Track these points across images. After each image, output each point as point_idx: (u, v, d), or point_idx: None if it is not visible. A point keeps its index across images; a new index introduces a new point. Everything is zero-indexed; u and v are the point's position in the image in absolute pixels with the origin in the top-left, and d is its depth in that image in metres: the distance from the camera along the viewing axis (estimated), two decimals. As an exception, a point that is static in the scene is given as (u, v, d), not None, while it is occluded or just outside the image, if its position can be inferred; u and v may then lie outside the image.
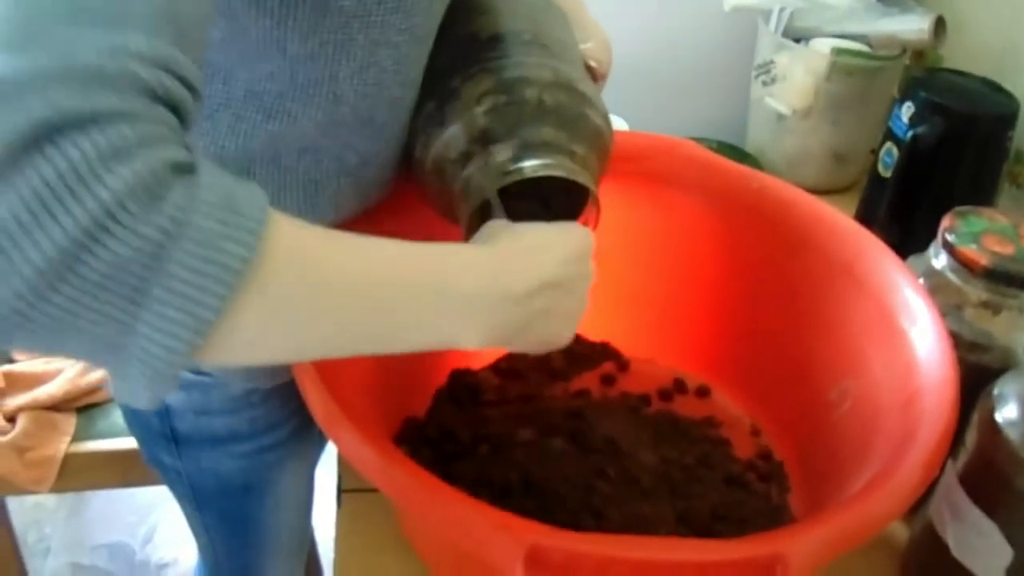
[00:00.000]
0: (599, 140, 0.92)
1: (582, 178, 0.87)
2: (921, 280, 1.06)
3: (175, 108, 0.53)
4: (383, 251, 0.67)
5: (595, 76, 0.99)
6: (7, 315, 0.48)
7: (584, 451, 1.06)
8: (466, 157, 0.89)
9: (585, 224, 0.93)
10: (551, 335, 0.80)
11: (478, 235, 0.81)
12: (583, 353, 1.26)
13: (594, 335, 1.27)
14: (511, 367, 1.22)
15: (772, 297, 1.15)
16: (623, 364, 1.26)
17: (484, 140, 0.88)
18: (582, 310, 0.82)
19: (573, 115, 0.89)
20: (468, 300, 0.70)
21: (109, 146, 0.48)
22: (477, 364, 1.21)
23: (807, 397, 1.08)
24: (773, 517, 1.03)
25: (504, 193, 0.86)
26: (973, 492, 0.91)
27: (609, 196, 0.97)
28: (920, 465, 0.77)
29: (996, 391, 0.93)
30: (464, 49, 0.92)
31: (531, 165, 0.86)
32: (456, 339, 0.71)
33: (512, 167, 0.86)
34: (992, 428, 0.89)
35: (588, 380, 1.23)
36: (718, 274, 1.20)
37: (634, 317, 1.25)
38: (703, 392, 1.23)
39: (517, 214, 0.86)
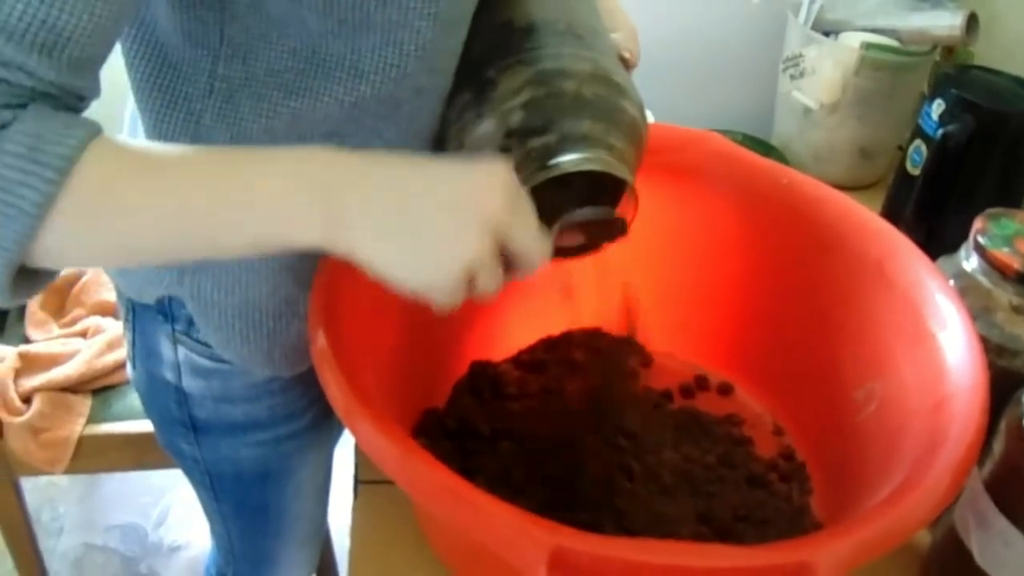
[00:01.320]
0: (635, 132, 0.91)
1: (620, 172, 0.87)
2: (951, 282, 1.04)
3: (22, 89, 0.63)
4: (197, 170, 0.69)
5: (627, 66, 0.98)
6: None
7: (606, 447, 1.05)
8: (503, 150, 0.88)
9: (623, 216, 0.93)
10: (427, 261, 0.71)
11: None
12: (605, 348, 1.24)
13: (617, 330, 1.25)
14: (533, 360, 1.21)
15: (798, 294, 1.13)
16: (646, 359, 1.25)
17: (522, 133, 0.87)
18: (468, 251, 0.70)
19: (610, 107, 0.88)
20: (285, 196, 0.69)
21: None
22: (498, 356, 1.21)
23: (831, 397, 1.07)
24: (794, 519, 1.02)
25: (541, 184, 0.86)
26: (1000, 500, 0.90)
27: (637, 189, 0.96)
28: (949, 473, 0.76)
29: (1025, 398, 0.91)
30: (499, 38, 0.91)
31: (570, 160, 0.85)
32: (294, 240, 0.70)
33: (551, 161, 0.85)
34: (1020, 435, 0.88)
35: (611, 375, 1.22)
36: (743, 270, 1.18)
37: (658, 312, 1.23)
38: (725, 389, 1.22)
39: (553, 205, 0.86)
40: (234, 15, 0.79)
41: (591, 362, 1.22)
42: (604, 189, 0.91)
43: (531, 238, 0.74)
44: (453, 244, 0.70)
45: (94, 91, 0.69)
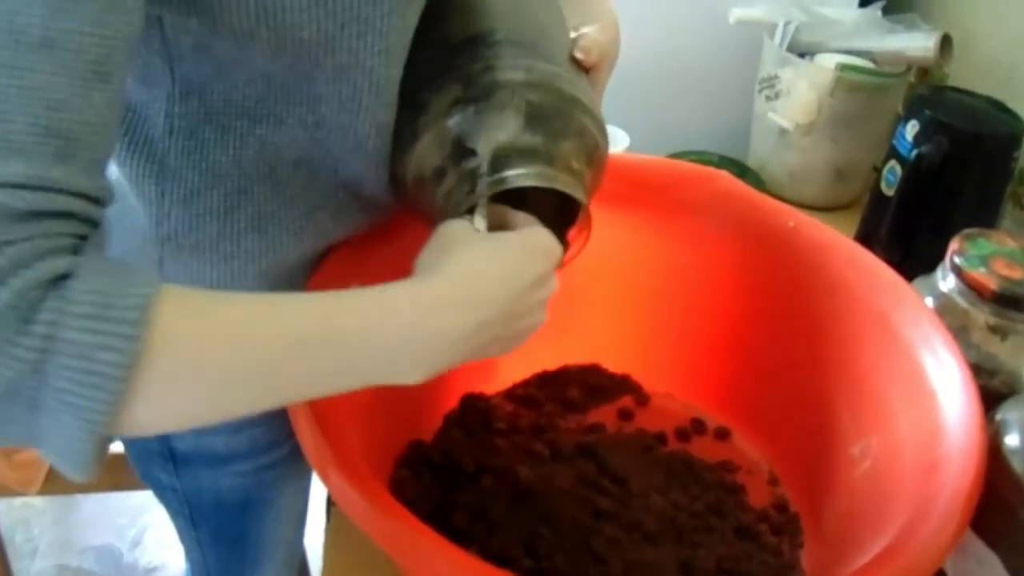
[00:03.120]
0: (584, 138, 0.86)
1: (561, 184, 0.83)
2: (928, 301, 1.05)
3: (62, 215, 0.57)
4: (287, 313, 0.66)
5: (583, 67, 0.93)
6: None
7: (591, 490, 1.04)
8: (441, 172, 0.84)
9: (580, 232, 0.90)
10: (497, 353, 0.79)
11: (428, 248, 0.78)
12: (602, 385, 1.23)
13: (615, 367, 1.24)
14: (526, 394, 1.20)
15: (801, 340, 1.11)
16: (643, 399, 1.23)
17: (457, 153, 0.83)
18: (536, 325, 0.80)
19: (550, 115, 0.83)
20: (392, 347, 0.69)
21: None
22: (491, 389, 1.19)
23: (829, 449, 1.05)
24: (781, 573, 1.00)
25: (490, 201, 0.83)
26: (974, 521, 0.90)
27: (639, 224, 0.94)
28: (932, 547, 0.75)
29: (999, 416, 0.91)
30: (436, 57, 0.86)
31: (506, 176, 0.81)
32: (388, 379, 0.71)
33: (488, 180, 0.82)
34: (995, 455, 0.87)
35: (605, 413, 1.20)
36: (747, 312, 1.16)
37: (657, 350, 1.22)
38: (722, 434, 1.20)
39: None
40: (181, 56, 0.78)
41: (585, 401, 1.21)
42: (557, 201, 0.87)
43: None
44: (530, 331, 0.79)
45: (110, 193, 0.63)
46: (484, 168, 0.82)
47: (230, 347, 0.63)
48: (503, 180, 0.81)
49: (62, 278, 0.55)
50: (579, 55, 0.92)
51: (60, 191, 0.57)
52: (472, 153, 0.83)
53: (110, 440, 0.60)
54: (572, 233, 0.90)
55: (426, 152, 0.84)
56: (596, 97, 0.93)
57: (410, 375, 0.71)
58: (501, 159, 0.82)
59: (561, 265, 0.90)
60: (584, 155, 0.87)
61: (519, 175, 0.81)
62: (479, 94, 0.82)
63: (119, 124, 0.66)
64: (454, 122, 0.83)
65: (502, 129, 0.82)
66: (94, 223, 0.60)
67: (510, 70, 0.83)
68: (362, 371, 0.69)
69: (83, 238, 0.59)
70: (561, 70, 0.87)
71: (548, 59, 0.87)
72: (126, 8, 0.61)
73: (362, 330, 0.68)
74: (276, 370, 0.65)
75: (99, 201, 0.60)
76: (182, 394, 0.61)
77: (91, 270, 0.57)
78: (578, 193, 0.84)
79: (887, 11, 1.76)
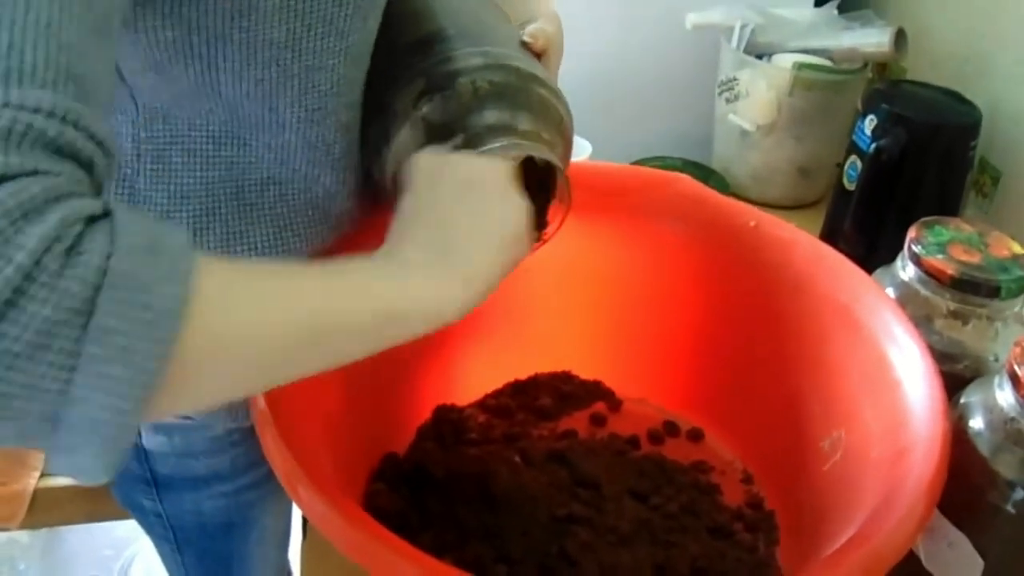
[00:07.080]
0: (548, 111, 0.89)
1: (534, 151, 0.85)
2: (889, 291, 1.06)
3: (84, 163, 0.52)
4: (309, 281, 0.64)
5: (533, 51, 0.95)
6: None
7: (563, 495, 1.04)
8: None
9: (560, 204, 0.91)
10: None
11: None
12: (573, 392, 1.23)
13: (586, 373, 1.24)
14: (499, 404, 1.20)
15: (768, 339, 1.11)
16: (615, 404, 1.23)
17: (431, 141, 0.85)
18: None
19: (513, 93, 0.86)
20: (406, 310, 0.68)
21: (16, 205, 0.46)
22: (464, 400, 1.19)
23: (800, 445, 1.04)
24: (756, 570, 1.00)
25: None
26: (943, 503, 0.90)
27: (603, 232, 0.94)
28: (900, 530, 0.74)
29: (963, 400, 0.92)
30: (392, 62, 0.89)
31: (482, 151, 0.83)
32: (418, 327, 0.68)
33: None
34: (961, 439, 0.89)
35: (577, 420, 1.20)
36: (714, 313, 1.16)
37: (628, 356, 1.22)
38: (695, 435, 1.19)
39: None
40: (143, 87, 0.79)
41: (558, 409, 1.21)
42: (538, 182, 0.88)
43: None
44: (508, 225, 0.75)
45: (115, 144, 0.57)
46: (459, 145, 0.84)
47: (270, 305, 0.59)
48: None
49: (100, 217, 0.50)
50: (527, 39, 0.95)
51: (85, 130, 0.52)
52: (446, 137, 0.85)
53: (136, 429, 0.51)
54: (553, 207, 0.92)
55: (402, 148, 0.86)
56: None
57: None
58: (474, 138, 0.84)
59: (546, 239, 0.92)
60: (552, 127, 0.89)
61: (494, 149, 0.83)
62: (442, 83, 0.85)
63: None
64: (423, 113, 0.85)
65: (470, 111, 0.85)
66: (102, 180, 0.55)
67: (467, 58, 0.86)
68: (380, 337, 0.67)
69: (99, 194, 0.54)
70: (515, 52, 0.90)
71: (499, 44, 0.90)
72: None
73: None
74: (302, 339, 0.61)
75: (110, 153, 0.55)
76: (228, 350, 0.56)
77: (125, 210, 0.52)
78: (554, 159, 0.86)
79: (842, 9, 1.78)
